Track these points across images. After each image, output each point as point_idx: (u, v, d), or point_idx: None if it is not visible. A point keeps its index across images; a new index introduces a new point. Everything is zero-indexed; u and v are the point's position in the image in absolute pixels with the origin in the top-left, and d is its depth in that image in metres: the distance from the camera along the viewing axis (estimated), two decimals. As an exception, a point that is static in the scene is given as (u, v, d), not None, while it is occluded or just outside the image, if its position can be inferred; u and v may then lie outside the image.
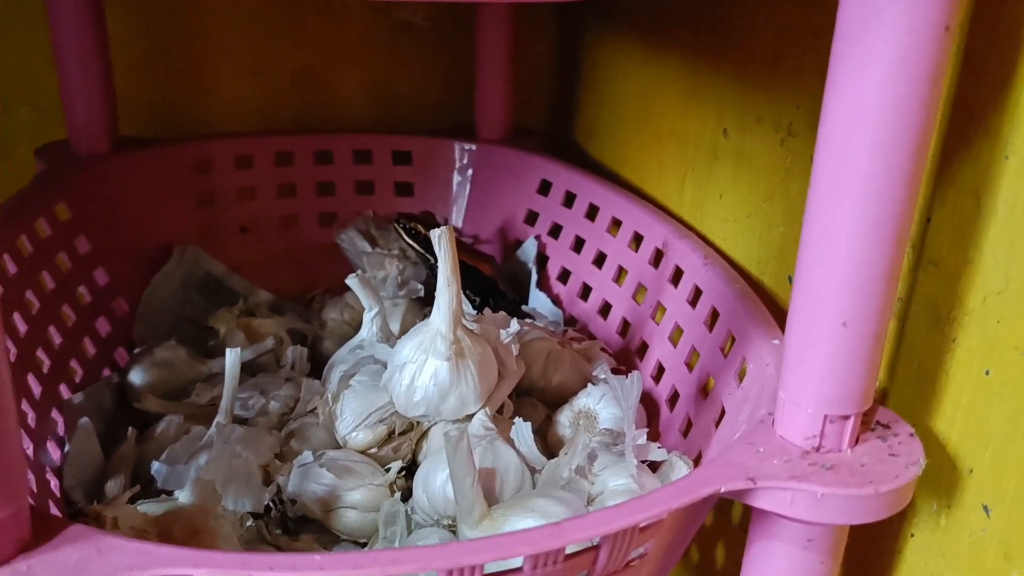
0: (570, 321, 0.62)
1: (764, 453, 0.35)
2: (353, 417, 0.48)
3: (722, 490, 0.34)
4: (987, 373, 0.36)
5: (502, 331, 0.49)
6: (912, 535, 0.40)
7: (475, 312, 0.53)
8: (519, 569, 0.32)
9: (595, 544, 0.33)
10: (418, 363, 0.46)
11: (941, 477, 0.38)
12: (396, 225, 0.63)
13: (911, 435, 0.36)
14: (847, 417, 0.35)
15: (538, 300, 0.64)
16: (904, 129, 0.30)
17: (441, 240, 0.45)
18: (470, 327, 0.48)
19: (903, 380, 0.40)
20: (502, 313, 0.52)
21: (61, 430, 0.49)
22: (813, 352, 0.34)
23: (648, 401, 0.53)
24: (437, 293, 0.46)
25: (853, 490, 0.34)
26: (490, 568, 0.31)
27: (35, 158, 0.62)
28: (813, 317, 0.34)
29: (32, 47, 0.65)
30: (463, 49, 0.72)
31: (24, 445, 0.44)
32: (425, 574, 0.30)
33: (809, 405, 0.35)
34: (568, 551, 0.33)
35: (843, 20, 0.30)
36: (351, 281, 0.53)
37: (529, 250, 0.66)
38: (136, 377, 0.55)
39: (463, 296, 0.58)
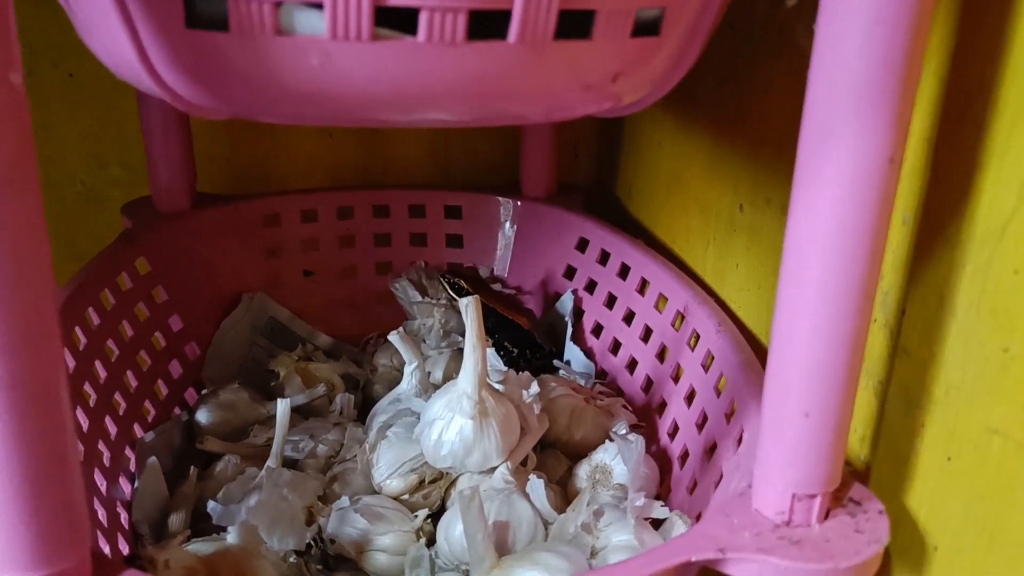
0: (601, 374, 0.66)
1: (737, 524, 0.39)
2: (387, 466, 0.53)
3: (692, 559, 0.37)
4: (948, 459, 0.39)
5: (524, 391, 0.54)
6: (888, 603, 0.44)
7: (505, 369, 0.57)
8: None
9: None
10: (446, 420, 0.51)
11: (912, 552, 0.41)
12: (442, 280, 0.69)
13: (880, 512, 0.40)
14: (814, 496, 0.38)
15: (572, 353, 0.68)
16: (853, 241, 0.33)
17: (468, 309, 0.50)
18: (495, 387, 0.53)
19: (882, 458, 0.43)
20: (526, 374, 0.56)
21: (133, 466, 0.56)
22: (781, 437, 0.38)
23: (663, 457, 0.56)
24: (464, 356, 0.51)
25: (814, 564, 0.37)
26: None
27: (122, 214, 0.68)
28: (779, 406, 0.37)
29: (124, 112, 0.72)
30: (514, 110, 0.77)
31: (99, 482, 0.51)
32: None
33: (778, 483, 0.38)
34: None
35: (804, 137, 0.34)
36: (393, 338, 0.58)
37: (566, 303, 0.70)
38: (202, 417, 0.61)
39: (499, 348, 0.63)
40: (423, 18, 0.29)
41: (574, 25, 0.31)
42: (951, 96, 0.38)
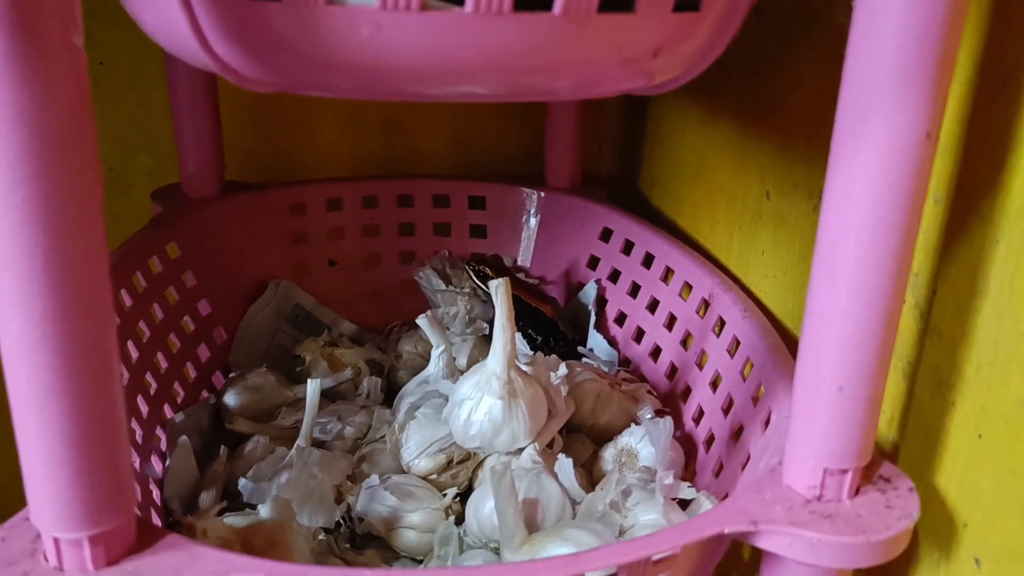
0: (624, 362, 0.67)
1: (769, 500, 0.39)
2: (416, 446, 0.54)
3: (726, 531, 0.38)
4: (979, 437, 0.39)
5: (551, 373, 0.54)
6: (917, 581, 0.44)
7: (531, 353, 0.58)
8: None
9: (613, 574, 0.38)
10: (475, 400, 0.52)
11: (941, 530, 0.42)
12: (467, 268, 0.69)
13: (910, 489, 0.40)
14: (845, 471, 0.39)
15: (595, 341, 0.68)
16: (889, 219, 0.34)
17: (498, 291, 0.51)
18: (523, 369, 0.53)
19: (911, 437, 0.44)
20: (553, 356, 0.57)
21: (164, 446, 0.56)
22: (813, 412, 0.38)
23: (688, 442, 0.57)
24: (493, 337, 0.52)
25: (846, 538, 0.37)
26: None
27: (151, 200, 0.69)
28: (813, 382, 0.38)
29: (152, 102, 0.73)
30: (539, 105, 0.78)
31: (132, 460, 0.51)
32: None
33: (810, 459, 0.39)
34: (588, 578, 0.38)
35: (840, 115, 0.35)
36: (421, 321, 0.58)
37: (589, 293, 0.70)
38: (230, 399, 0.62)
39: (523, 336, 0.64)
40: (471, -12, 0.30)
41: (618, -1, 0.32)
42: (985, 76, 0.38)
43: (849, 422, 0.38)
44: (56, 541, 0.33)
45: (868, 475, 0.41)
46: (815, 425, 0.38)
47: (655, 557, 0.38)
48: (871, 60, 0.33)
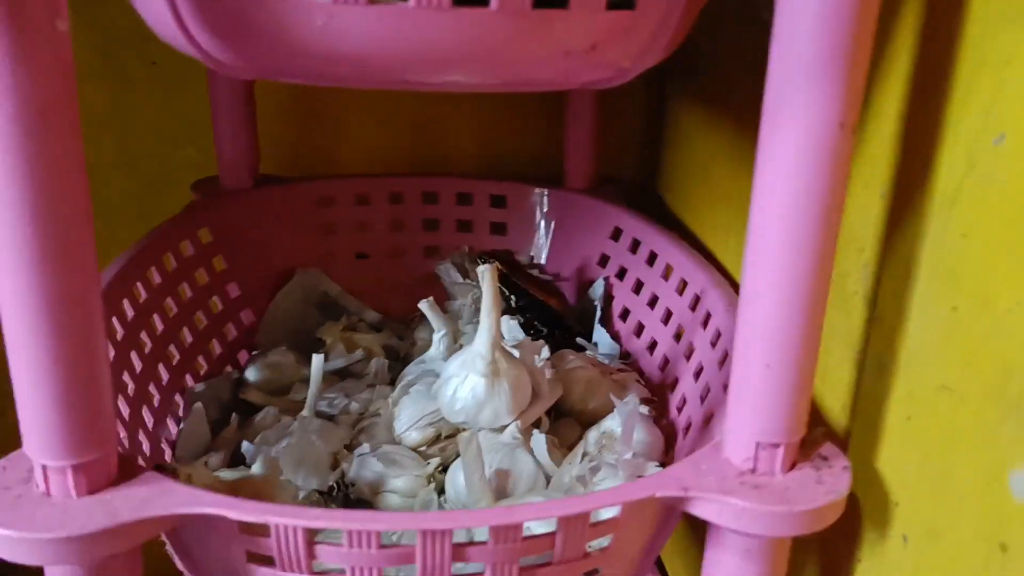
0: (625, 356, 0.69)
1: (705, 470, 0.42)
2: (408, 419, 0.57)
3: (657, 495, 0.40)
4: (908, 419, 0.41)
5: (535, 356, 0.57)
6: (859, 560, 0.45)
7: (520, 338, 0.61)
8: (485, 542, 0.40)
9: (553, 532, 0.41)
10: (460, 377, 0.55)
11: (878, 510, 0.43)
12: (479, 260, 0.73)
13: (844, 468, 0.42)
14: (777, 445, 0.41)
15: (600, 335, 0.71)
16: (807, 206, 0.36)
17: (484, 276, 0.54)
18: (509, 351, 0.56)
19: (860, 424, 0.46)
20: (540, 341, 0.60)
21: (181, 412, 0.61)
22: (747, 387, 0.40)
23: (671, 430, 0.59)
24: (480, 320, 0.55)
25: (771, 507, 0.40)
26: (459, 538, 0.40)
27: (191, 191, 0.75)
28: (744, 359, 0.40)
29: (198, 98, 0.78)
30: (562, 107, 0.81)
31: (147, 419, 0.56)
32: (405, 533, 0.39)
33: (744, 432, 0.41)
34: (533, 532, 0.40)
35: (765, 108, 0.37)
36: (423, 306, 0.62)
37: (597, 289, 0.73)
38: (250, 374, 0.67)
39: (529, 327, 0.67)
40: (410, -16, 0.34)
41: (551, -5, 0.35)
42: (918, 75, 0.40)
43: (779, 397, 0.40)
44: (44, 468, 0.38)
45: (806, 453, 0.43)
46: (748, 400, 0.41)
47: (595, 518, 0.40)
48: (788, 53, 0.35)
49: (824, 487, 0.41)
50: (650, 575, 0.58)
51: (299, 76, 0.39)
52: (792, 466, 0.42)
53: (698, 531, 0.67)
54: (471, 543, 0.40)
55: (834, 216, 0.37)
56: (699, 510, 0.41)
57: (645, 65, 0.41)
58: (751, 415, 0.41)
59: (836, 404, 0.48)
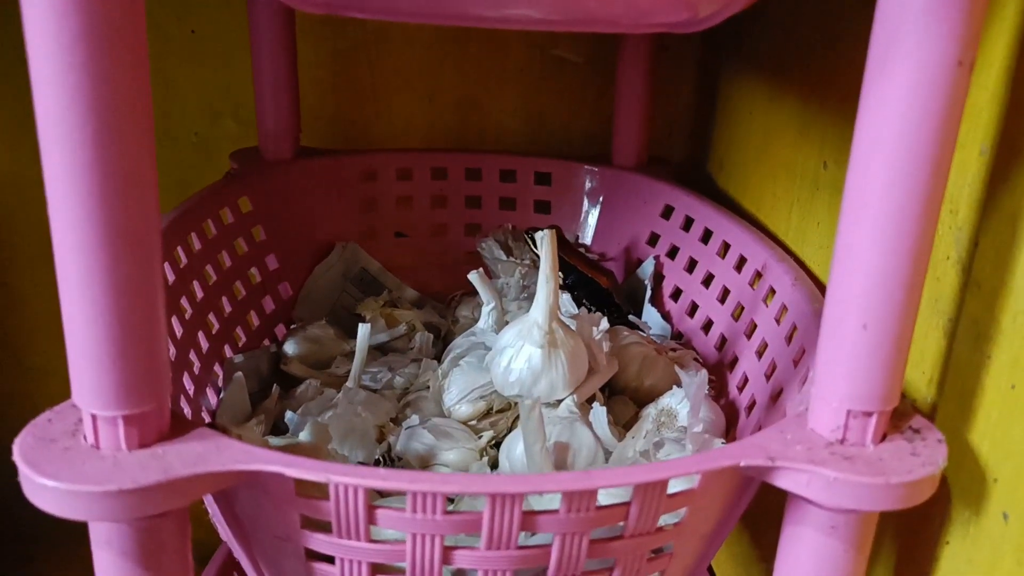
0: (677, 336, 0.67)
1: (790, 440, 0.39)
2: (458, 392, 0.55)
3: (741, 464, 0.38)
4: (1012, 387, 0.38)
5: (594, 328, 0.55)
6: (947, 542, 0.43)
7: (577, 311, 0.58)
8: (557, 511, 0.38)
9: (627, 501, 0.38)
10: (515, 348, 0.53)
11: (972, 487, 0.41)
12: (527, 235, 0.70)
13: (939, 441, 0.39)
14: (870, 414, 0.38)
15: (650, 315, 0.68)
16: (918, 154, 0.34)
17: (543, 241, 0.52)
18: (566, 322, 0.54)
19: (949, 396, 0.43)
20: (597, 313, 0.57)
21: (220, 382, 0.59)
22: (838, 352, 0.38)
23: (731, 409, 0.57)
24: (538, 288, 0.52)
25: (865, 478, 0.37)
26: (532, 505, 0.37)
27: (229, 160, 0.73)
28: (838, 320, 0.38)
29: (240, 69, 0.77)
30: (611, 84, 0.78)
31: (187, 386, 0.54)
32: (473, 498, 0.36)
33: (834, 400, 0.38)
34: (602, 503, 0.38)
35: (872, 51, 0.35)
36: (472, 277, 0.60)
37: (647, 269, 0.71)
38: (289, 348, 0.64)
39: (578, 304, 0.64)
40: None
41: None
42: (1031, 18, 0.37)
43: (874, 362, 0.37)
44: (94, 418, 0.35)
45: (897, 425, 0.40)
46: (839, 365, 0.38)
47: (672, 490, 0.38)
48: (901, -13, 0.33)
49: (920, 459, 0.38)
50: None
51: (394, 12, 0.37)
52: (883, 438, 0.39)
53: (745, 522, 0.64)
54: (540, 512, 0.37)
55: (945, 163, 0.34)
56: (785, 482, 0.38)
57: (722, 14, 0.38)
58: (843, 381, 0.38)
59: (921, 377, 0.45)
